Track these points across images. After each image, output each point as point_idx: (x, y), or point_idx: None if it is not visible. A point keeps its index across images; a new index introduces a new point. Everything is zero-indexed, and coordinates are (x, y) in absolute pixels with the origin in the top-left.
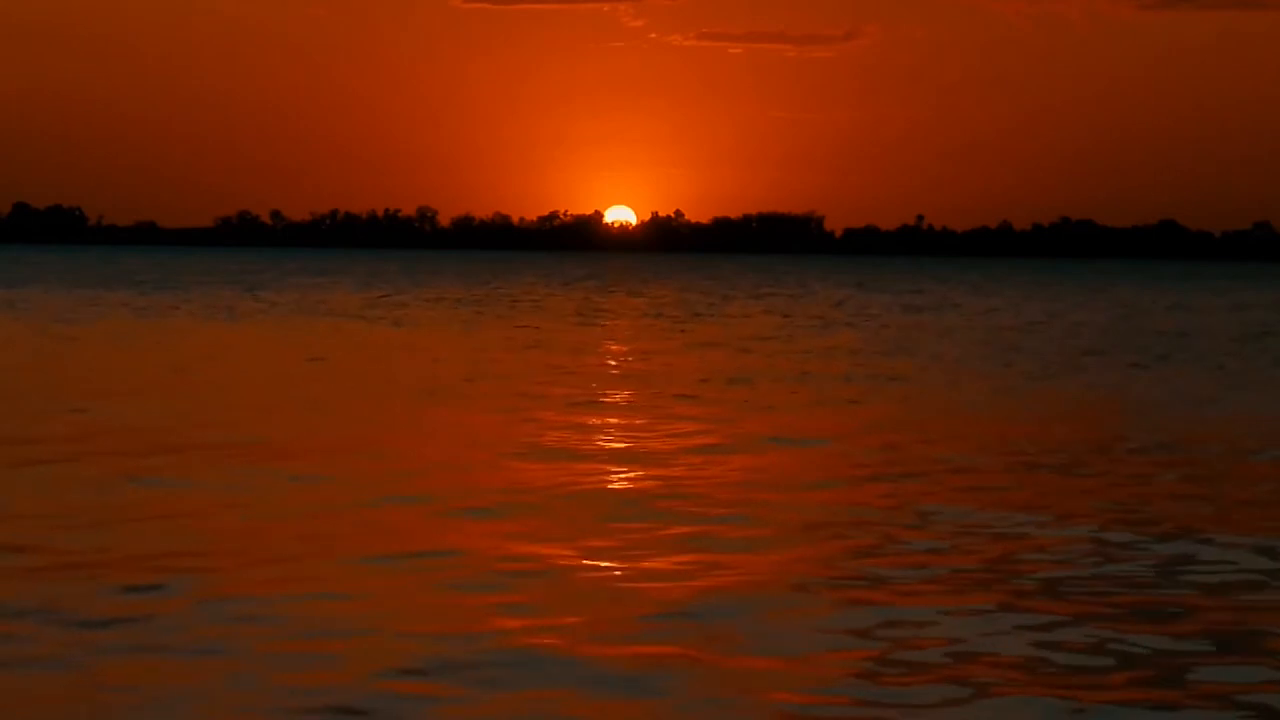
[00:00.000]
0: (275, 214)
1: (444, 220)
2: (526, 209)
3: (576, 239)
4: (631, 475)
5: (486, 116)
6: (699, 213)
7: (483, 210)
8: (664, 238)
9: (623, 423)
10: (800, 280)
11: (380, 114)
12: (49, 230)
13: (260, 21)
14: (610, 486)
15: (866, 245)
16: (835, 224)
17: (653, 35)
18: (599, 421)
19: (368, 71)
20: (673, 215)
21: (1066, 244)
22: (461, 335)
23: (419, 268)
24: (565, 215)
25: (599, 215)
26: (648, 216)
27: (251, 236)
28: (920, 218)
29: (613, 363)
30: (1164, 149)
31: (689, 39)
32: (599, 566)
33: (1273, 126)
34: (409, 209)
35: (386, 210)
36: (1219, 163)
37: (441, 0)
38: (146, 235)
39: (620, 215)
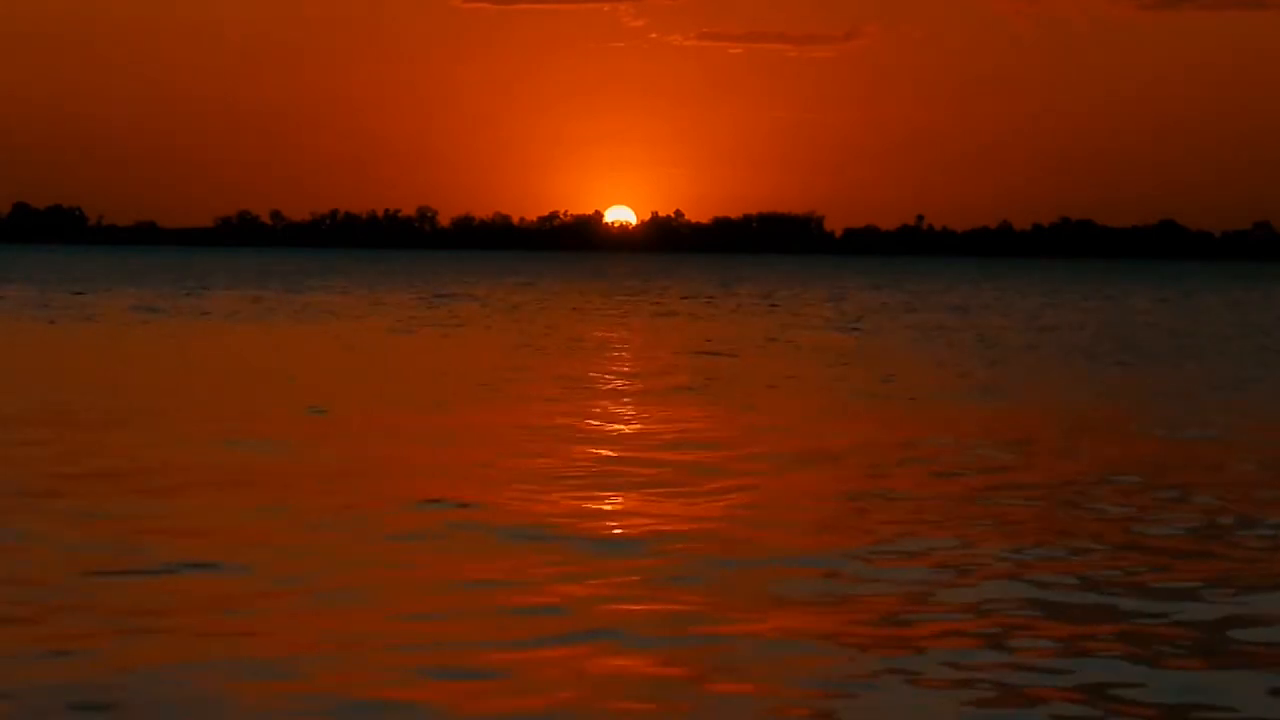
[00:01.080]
0: (275, 214)
1: (444, 220)
2: (526, 209)
3: (576, 239)
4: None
5: (487, 116)
6: (699, 213)
7: (483, 210)
8: (664, 238)
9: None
10: (837, 282)
11: (380, 114)
12: (49, 230)
13: (260, 22)
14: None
15: (866, 245)
16: (835, 224)
17: (653, 35)
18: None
19: (367, 71)
20: (673, 215)
21: (1066, 244)
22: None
23: (506, 269)
24: (565, 215)
25: (599, 215)
26: (648, 216)
27: (251, 236)
28: (920, 218)
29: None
30: (1164, 149)
31: (689, 39)
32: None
33: (1273, 126)
34: (409, 209)
35: (386, 210)
36: (1219, 163)
37: (441, 0)
38: (146, 235)
39: (620, 215)
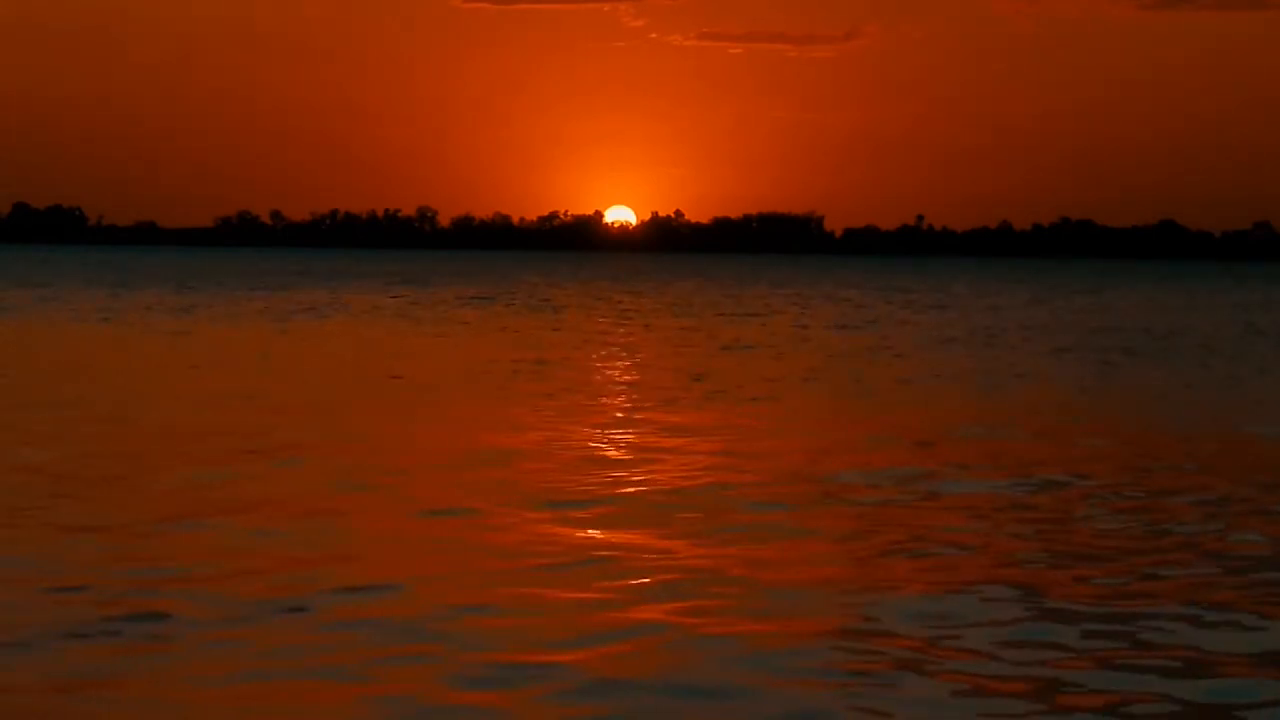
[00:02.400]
0: (275, 214)
1: (444, 220)
2: (526, 209)
3: (576, 239)
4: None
5: (486, 116)
6: (699, 213)
7: (483, 210)
8: (664, 238)
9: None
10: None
11: (380, 114)
12: (49, 230)
13: (260, 21)
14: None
15: (866, 245)
16: (835, 224)
17: (653, 35)
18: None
19: (367, 71)
20: (673, 215)
21: (1066, 244)
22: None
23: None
24: (565, 215)
25: (599, 215)
26: (648, 216)
27: (251, 236)
28: (920, 218)
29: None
30: (1164, 149)
31: (689, 39)
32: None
33: (1273, 126)
34: (409, 209)
35: (386, 210)
36: (1219, 163)
37: (441, 0)
38: (146, 235)
39: (620, 215)
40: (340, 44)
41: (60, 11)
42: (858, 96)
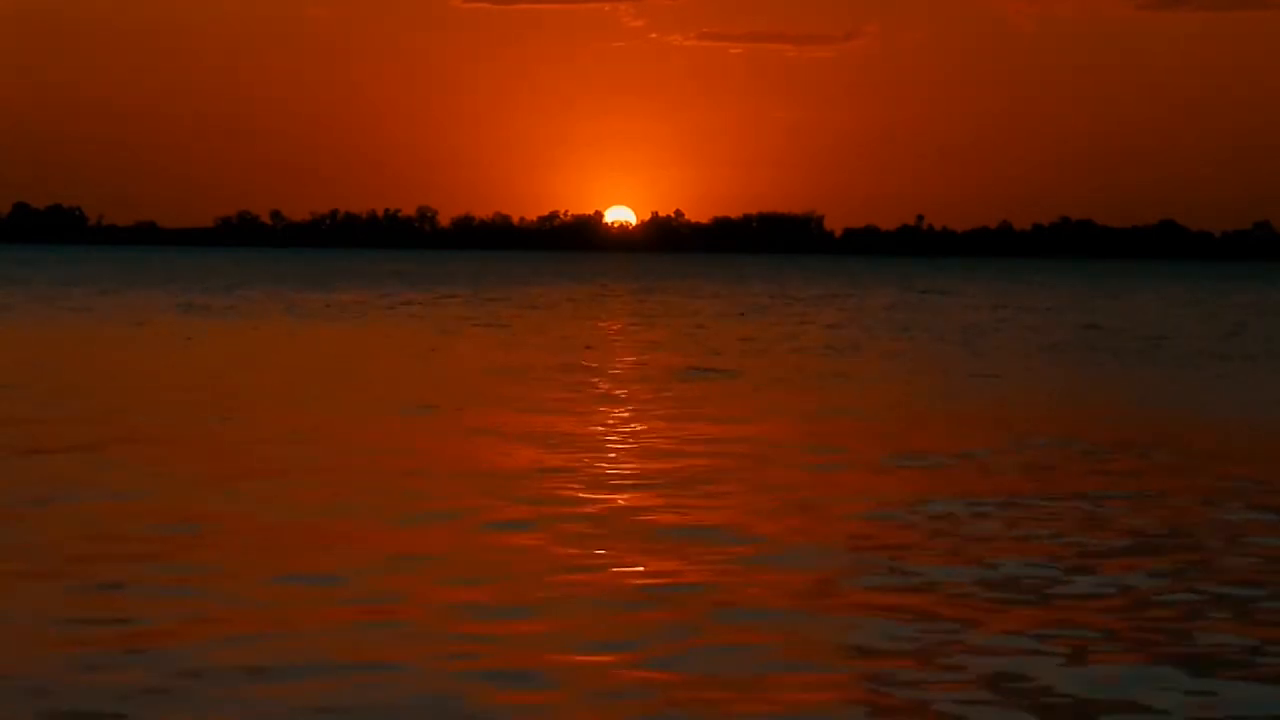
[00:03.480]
0: (275, 214)
1: (444, 220)
2: (526, 209)
3: (577, 239)
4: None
5: (486, 116)
6: (699, 213)
7: (483, 210)
8: (664, 238)
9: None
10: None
11: (380, 114)
12: (49, 230)
13: (260, 21)
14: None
15: (866, 245)
16: (835, 224)
17: (653, 35)
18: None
19: (368, 71)
20: (673, 215)
21: (1066, 244)
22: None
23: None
24: (565, 215)
25: (599, 215)
26: (648, 216)
27: (251, 236)
28: (920, 218)
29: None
30: (1164, 149)
31: (689, 39)
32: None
33: (1273, 126)
34: (409, 209)
35: (386, 210)
36: (1219, 163)
37: (441, 0)
38: (146, 235)
39: (620, 215)
40: (340, 44)
41: (60, 12)
42: (858, 96)
